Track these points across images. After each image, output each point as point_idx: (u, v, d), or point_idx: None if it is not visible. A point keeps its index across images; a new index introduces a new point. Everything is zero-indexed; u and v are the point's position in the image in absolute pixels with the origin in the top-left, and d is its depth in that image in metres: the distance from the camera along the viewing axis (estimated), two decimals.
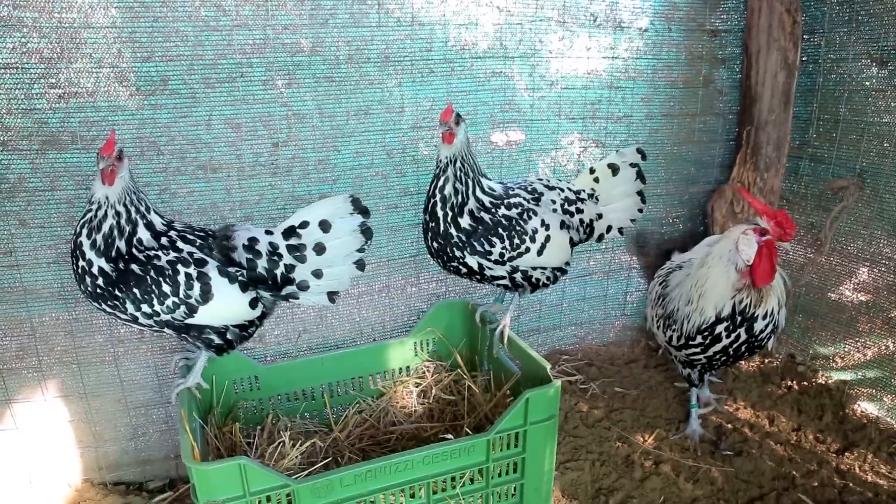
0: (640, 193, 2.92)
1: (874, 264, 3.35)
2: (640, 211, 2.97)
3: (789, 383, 3.63)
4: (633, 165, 2.88)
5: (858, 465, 3.02)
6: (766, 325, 2.76)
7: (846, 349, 3.55)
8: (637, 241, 3.85)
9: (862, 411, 3.37)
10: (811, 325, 3.73)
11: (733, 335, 2.75)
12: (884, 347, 3.35)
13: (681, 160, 3.75)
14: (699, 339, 2.82)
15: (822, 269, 3.62)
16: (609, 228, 2.91)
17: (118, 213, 2.19)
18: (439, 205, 2.47)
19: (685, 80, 3.61)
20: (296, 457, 2.52)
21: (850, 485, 2.88)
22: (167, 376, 2.94)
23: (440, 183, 2.47)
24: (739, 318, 2.70)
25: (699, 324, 2.77)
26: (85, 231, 2.18)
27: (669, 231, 3.90)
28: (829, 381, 3.58)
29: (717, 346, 2.81)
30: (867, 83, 3.27)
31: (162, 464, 3.08)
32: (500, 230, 2.49)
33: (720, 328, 2.74)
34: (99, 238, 2.17)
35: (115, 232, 2.18)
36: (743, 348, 2.82)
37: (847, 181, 3.37)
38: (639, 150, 2.87)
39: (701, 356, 2.92)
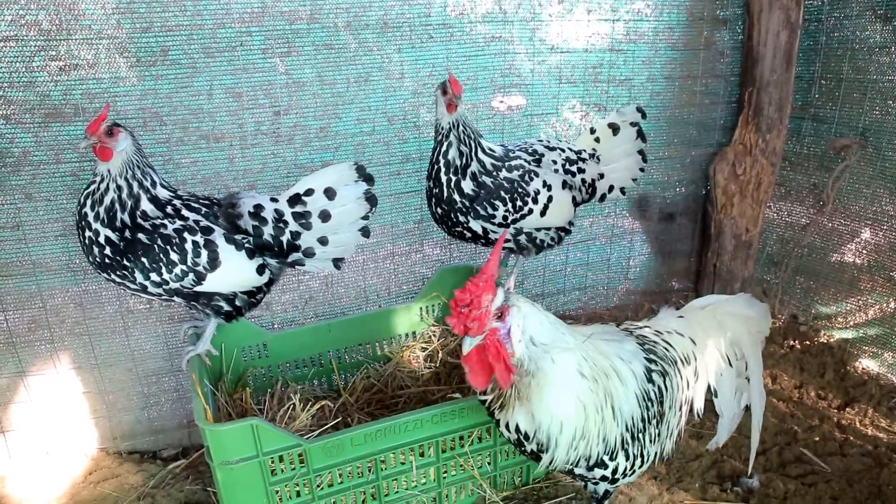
0: (640, 152, 2.92)
1: (876, 223, 3.36)
2: (642, 170, 2.97)
3: (791, 343, 3.67)
4: (633, 124, 2.87)
5: (859, 419, 3.07)
6: (519, 440, 1.90)
7: (848, 308, 3.57)
8: (639, 204, 3.85)
9: (863, 368, 3.41)
10: (813, 286, 3.75)
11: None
12: (885, 306, 3.37)
13: (682, 123, 3.74)
14: None
15: (824, 230, 3.63)
16: (611, 188, 2.92)
17: (119, 187, 2.20)
18: (443, 170, 2.48)
19: (686, 41, 3.58)
20: (306, 419, 2.57)
21: (851, 438, 2.93)
22: (177, 345, 2.98)
23: (443, 148, 2.48)
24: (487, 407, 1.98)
25: None
26: (89, 202, 2.20)
27: (672, 195, 3.91)
28: (831, 340, 3.61)
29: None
30: (871, 40, 3.24)
31: (174, 433, 3.15)
32: (503, 193, 2.50)
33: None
34: (101, 210, 2.19)
35: (117, 205, 2.20)
36: (524, 450, 1.96)
37: (849, 140, 3.36)
38: (639, 109, 2.86)
39: None
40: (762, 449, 2.87)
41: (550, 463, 1.90)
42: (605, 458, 1.95)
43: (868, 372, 3.38)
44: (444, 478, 2.46)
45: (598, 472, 2.00)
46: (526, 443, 1.89)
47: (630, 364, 1.99)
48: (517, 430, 1.87)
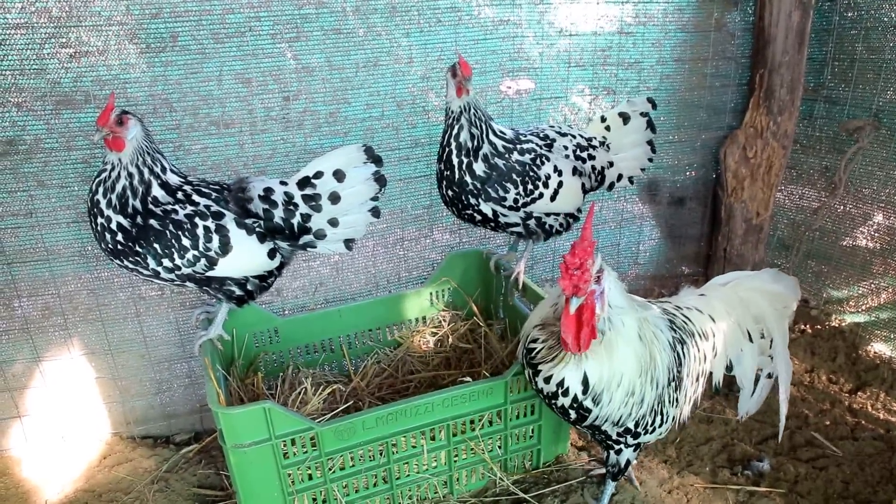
0: (650, 143, 2.90)
1: (889, 206, 3.33)
2: (650, 160, 2.95)
3: (802, 327, 3.66)
4: (643, 115, 2.85)
5: (871, 403, 3.06)
6: (556, 393, 2.00)
7: (860, 292, 3.55)
8: (649, 189, 3.83)
9: (875, 352, 3.39)
10: (824, 270, 3.73)
11: (531, 376, 2.12)
12: None
13: (692, 106, 3.71)
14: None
15: (835, 213, 3.61)
16: (619, 177, 2.90)
17: (130, 175, 2.21)
18: (454, 153, 2.47)
19: (697, 23, 3.55)
20: (318, 403, 2.59)
21: (862, 422, 2.93)
22: (188, 332, 3.00)
23: (454, 131, 2.46)
24: (527, 356, 2.11)
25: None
26: (101, 190, 2.20)
27: (682, 179, 3.88)
28: (843, 324, 3.60)
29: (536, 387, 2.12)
30: (885, 19, 3.19)
31: (187, 418, 3.18)
32: (514, 176, 2.49)
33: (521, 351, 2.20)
34: (113, 197, 2.20)
35: (129, 192, 2.21)
36: (553, 403, 2.08)
37: (862, 121, 3.33)
38: (649, 100, 2.84)
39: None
40: (773, 433, 2.87)
41: (597, 418, 2.03)
42: (630, 425, 2.08)
43: (880, 356, 3.36)
44: (455, 461, 2.48)
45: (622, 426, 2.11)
46: (563, 398, 1.99)
47: (663, 332, 2.12)
48: (560, 384, 1.97)
